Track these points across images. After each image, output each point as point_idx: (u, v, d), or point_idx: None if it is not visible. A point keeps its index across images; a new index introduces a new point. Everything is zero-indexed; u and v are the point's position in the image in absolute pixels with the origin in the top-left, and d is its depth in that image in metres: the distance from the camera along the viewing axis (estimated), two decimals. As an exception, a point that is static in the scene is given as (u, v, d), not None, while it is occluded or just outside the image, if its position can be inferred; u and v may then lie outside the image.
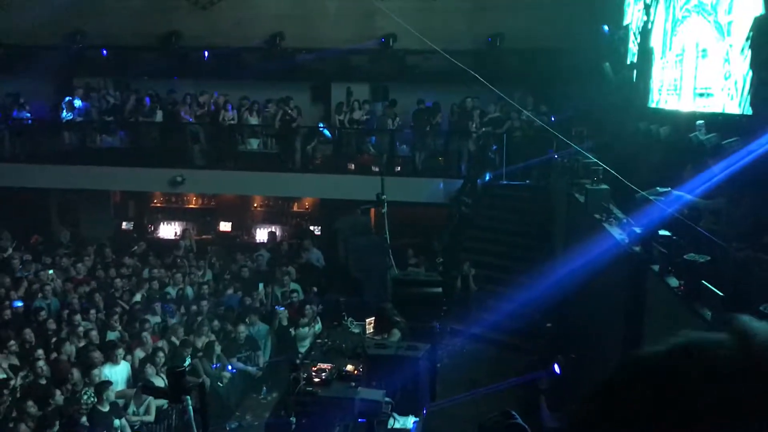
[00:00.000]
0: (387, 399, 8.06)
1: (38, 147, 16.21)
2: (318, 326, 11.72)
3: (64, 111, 16.09)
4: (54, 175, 15.57)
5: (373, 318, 9.78)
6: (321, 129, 15.97)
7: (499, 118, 14.61)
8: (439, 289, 10.46)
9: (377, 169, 14.71)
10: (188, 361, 9.87)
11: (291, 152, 15.67)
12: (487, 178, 14.42)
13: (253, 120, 15.75)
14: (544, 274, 10.64)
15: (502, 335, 11.56)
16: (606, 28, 12.98)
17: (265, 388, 10.98)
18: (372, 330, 10.13)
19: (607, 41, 13.00)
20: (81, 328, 10.49)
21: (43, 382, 9.01)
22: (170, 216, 17.90)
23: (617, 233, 8.42)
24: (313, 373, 9.13)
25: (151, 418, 9.00)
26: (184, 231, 16.62)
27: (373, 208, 13.54)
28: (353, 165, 15.64)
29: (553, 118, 13.80)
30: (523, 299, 10.63)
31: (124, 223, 17.76)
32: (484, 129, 14.75)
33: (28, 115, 16.44)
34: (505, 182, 14.32)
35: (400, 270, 12.13)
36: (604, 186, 9.42)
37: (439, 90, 15.60)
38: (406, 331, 9.01)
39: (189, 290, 12.79)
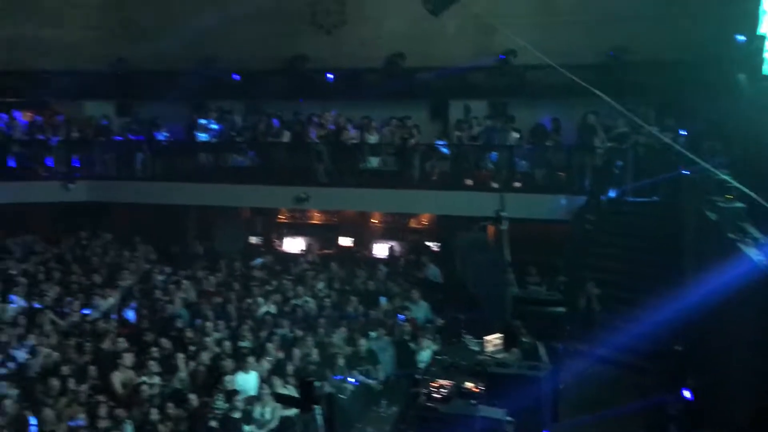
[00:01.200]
0: (508, 418, 8.04)
1: (176, 167, 17.34)
2: (436, 342, 11.82)
3: (200, 132, 17.17)
4: (190, 192, 16.62)
5: (495, 335, 9.77)
6: (439, 146, 16.13)
7: (626, 133, 14.19)
8: (562, 309, 10.32)
9: (496, 185, 14.67)
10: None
11: (409, 169, 15.92)
12: (612, 194, 14.01)
13: (373, 138, 16.14)
14: (673, 295, 10.20)
15: (627, 357, 11.15)
16: (741, 37, 12.34)
17: (384, 401, 11.16)
18: (492, 347, 10.12)
19: (742, 51, 12.36)
20: (214, 337, 11.14)
21: (181, 387, 9.64)
22: (294, 231, 18.63)
23: (754, 254, 7.97)
24: (433, 389, 9.26)
25: (273, 425, 9.36)
26: (307, 245, 17.25)
27: (491, 224, 13.51)
28: (471, 181, 15.68)
29: (683, 133, 13.25)
30: (650, 320, 10.24)
31: (252, 238, 18.66)
32: (609, 144, 14.39)
33: (167, 136, 17.62)
34: (630, 199, 13.85)
35: (520, 288, 12.04)
36: (739, 204, 8.95)
37: (560, 104, 15.37)
38: (534, 350, 8.92)
39: (311, 303, 13.25)
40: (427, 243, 17.42)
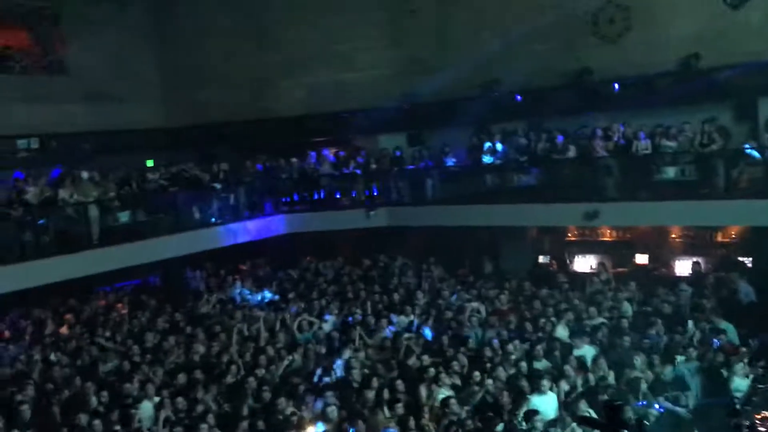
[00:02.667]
0: None
1: (463, 190, 17.93)
2: (751, 369, 10.52)
3: (486, 155, 17.57)
4: (478, 214, 17.02)
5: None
6: (747, 150, 14.49)
7: None
8: None
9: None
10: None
11: (712, 177, 14.53)
12: None
13: (670, 145, 15.05)
14: None
15: None
16: None
17: (696, 431, 10.20)
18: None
19: None
20: (513, 357, 11.19)
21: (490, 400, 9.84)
22: (585, 249, 18.05)
23: None
24: (758, 422, 8.23)
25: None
26: (599, 264, 16.58)
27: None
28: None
29: None
30: None
31: (540, 257, 18.49)
32: None
33: (454, 162, 18.33)
34: None
35: None
36: None
37: None
38: None
39: (607, 324, 12.65)
40: (738, 258, 15.69)
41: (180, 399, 10.35)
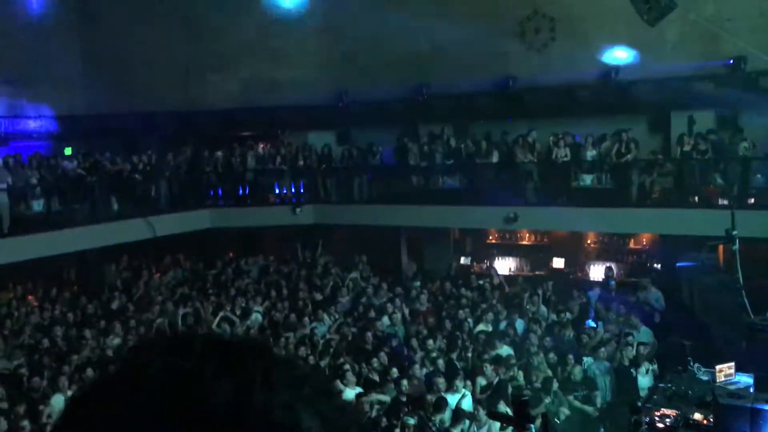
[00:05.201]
0: (746, 455, 7.28)
1: (390, 190, 18.11)
2: (655, 368, 11.09)
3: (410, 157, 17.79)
4: (403, 214, 17.24)
5: (727, 364, 8.92)
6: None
7: None
8: (808, 337, 9.16)
9: (726, 202, 13.48)
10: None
11: (627, 186, 15.18)
12: None
13: (590, 154, 15.62)
14: None
15: None
16: None
17: (602, 429, 10.65)
18: (724, 377, 9.24)
19: None
20: (432, 355, 11.40)
21: (404, 399, 9.96)
22: (505, 252, 18.52)
23: None
24: (656, 418, 8.66)
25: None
26: (518, 267, 17.07)
27: (721, 244, 12.41)
28: (696, 198, 14.57)
29: None
30: None
31: (462, 258, 18.86)
32: None
33: (382, 161, 18.47)
34: None
35: (757, 314, 10.89)
36: None
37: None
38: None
39: (521, 324, 13.06)
40: (648, 264, 16.43)
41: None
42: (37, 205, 15.01)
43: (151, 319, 13.68)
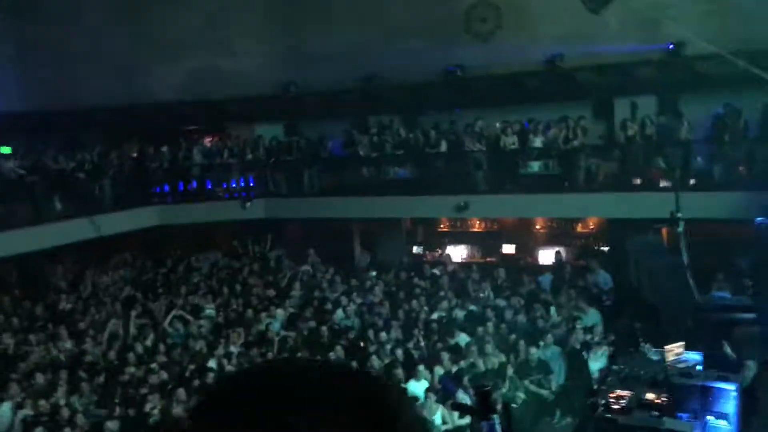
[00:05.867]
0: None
1: (341, 182, 18.03)
2: (608, 351, 11.37)
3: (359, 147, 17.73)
4: (355, 206, 17.18)
5: (677, 344, 9.22)
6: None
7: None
8: (752, 315, 9.54)
9: (668, 184, 13.86)
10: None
11: (573, 172, 15.46)
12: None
13: (537, 141, 15.84)
14: None
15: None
16: None
17: (558, 412, 10.89)
18: (674, 356, 9.53)
19: None
20: (388, 346, 11.43)
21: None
22: (456, 240, 18.68)
23: None
24: (611, 400, 8.88)
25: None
26: (469, 254, 17.21)
27: (666, 226, 12.77)
28: (639, 181, 14.94)
29: None
30: None
31: (414, 248, 18.94)
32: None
33: (331, 153, 18.37)
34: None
35: (701, 293, 11.27)
36: None
37: (737, 96, 14.27)
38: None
39: (475, 311, 13.22)
40: (596, 248, 16.80)
41: (42, 401, 9.78)
42: (-25, 208, 14.45)
43: (101, 321, 13.33)
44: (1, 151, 17.67)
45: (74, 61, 19.09)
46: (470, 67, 16.98)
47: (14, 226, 14.73)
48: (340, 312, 13.73)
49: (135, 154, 18.57)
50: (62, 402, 9.88)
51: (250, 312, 13.82)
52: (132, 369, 11.08)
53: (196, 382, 10.58)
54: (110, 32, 19.14)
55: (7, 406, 9.86)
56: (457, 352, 11.19)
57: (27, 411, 9.72)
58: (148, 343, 12.28)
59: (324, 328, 12.74)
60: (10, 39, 19.56)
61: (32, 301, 14.79)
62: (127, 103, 18.89)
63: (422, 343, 11.88)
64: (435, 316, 13.06)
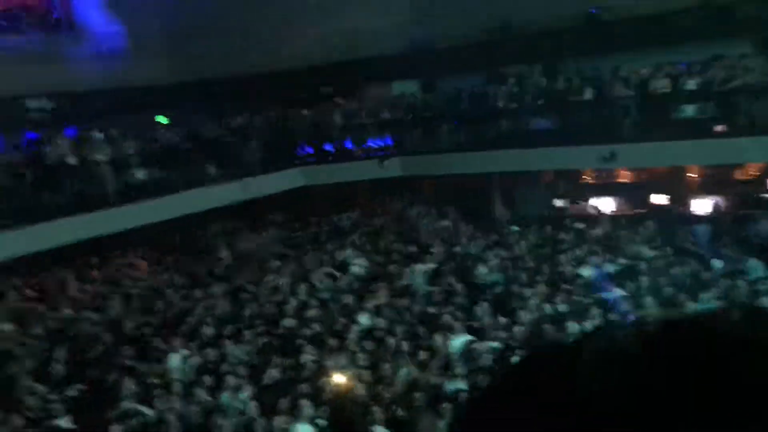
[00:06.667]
0: None
1: (478, 136, 17.75)
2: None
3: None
4: (493, 160, 16.88)
5: None
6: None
7: None
8: None
9: None
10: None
11: (733, 115, 14.31)
12: None
13: (691, 84, 14.77)
14: None
15: None
16: None
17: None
18: None
19: None
20: (533, 302, 11.26)
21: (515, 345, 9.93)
22: (602, 191, 17.91)
23: None
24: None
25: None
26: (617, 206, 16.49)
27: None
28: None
29: None
30: None
31: (556, 201, 18.41)
32: None
33: (467, 107, 18.07)
34: None
35: None
36: None
37: None
38: None
39: (625, 264, 12.67)
40: (757, 196, 15.56)
41: (209, 350, 10.53)
42: (140, 174, 15.58)
43: (257, 278, 14.08)
44: (160, 121, 18.91)
45: (220, 33, 19.95)
46: (614, 8, 16.06)
47: (174, 191, 15.78)
48: (482, 268, 13.62)
49: (278, 119, 19.21)
50: (227, 352, 10.56)
51: (392, 267, 14.03)
52: (287, 322, 11.63)
53: (348, 335, 10.95)
54: (250, 2, 19.79)
55: (177, 356, 10.67)
56: (609, 308, 10.80)
57: (195, 359, 10.48)
58: (302, 297, 12.81)
59: (466, 284, 12.69)
60: (157, 17, 20.73)
61: (193, 260, 15.84)
62: (268, 69, 19.56)
63: (570, 298, 11.56)
64: (582, 271, 12.65)
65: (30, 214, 13.54)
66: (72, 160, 14.56)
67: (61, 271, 15.30)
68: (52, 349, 10.79)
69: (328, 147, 19.03)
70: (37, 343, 11.32)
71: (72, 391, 9.67)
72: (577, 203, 18.16)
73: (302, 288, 13.28)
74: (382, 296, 12.59)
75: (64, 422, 8.86)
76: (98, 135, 15.41)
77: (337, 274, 14.08)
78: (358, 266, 14.46)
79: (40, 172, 14.07)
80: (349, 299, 12.57)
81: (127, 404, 9.13)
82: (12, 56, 17.21)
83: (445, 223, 16.76)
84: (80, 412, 9.12)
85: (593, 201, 17.86)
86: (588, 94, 15.97)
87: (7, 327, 12.17)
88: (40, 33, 18.48)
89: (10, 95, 17.14)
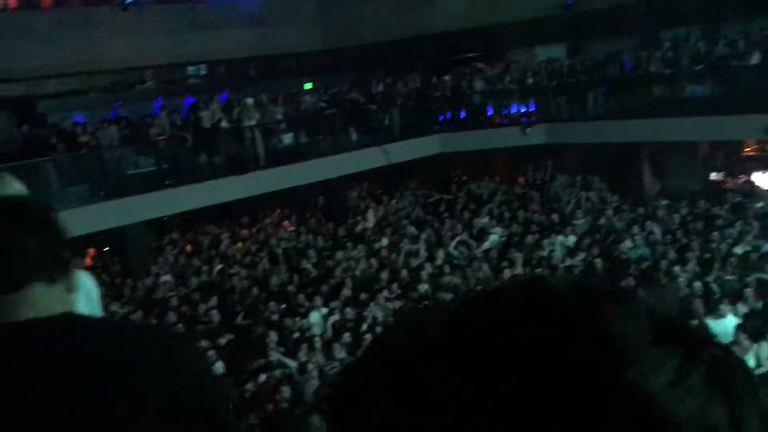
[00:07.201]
0: None
1: (628, 103, 16.87)
2: None
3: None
4: (643, 129, 15.97)
5: None
6: None
7: None
8: None
9: None
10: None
11: None
12: None
13: None
14: None
15: None
16: None
17: None
18: None
19: None
20: (682, 279, 10.68)
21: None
22: (764, 165, 16.54)
23: None
24: None
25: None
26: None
27: None
28: None
29: None
30: None
31: (712, 174, 17.21)
32: None
33: (620, 72, 17.16)
34: None
35: None
36: None
37: None
38: None
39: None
40: None
41: (348, 309, 10.91)
42: (287, 138, 16.23)
43: (395, 241, 14.35)
44: (305, 87, 19.54)
45: (360, 2, 20.18)
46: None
47: (317, 155, 16.32)
48: (627, 242, 13.06)
49: (419, 85, 19.24)
50: (365, 312, 10.89)
51: (530, 238, 13.79)
52: (423, 286, 11.78)
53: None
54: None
55: (317, 314, 11.14)
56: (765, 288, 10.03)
57: (336, 317, 10.91)
58: (438, 262, 12.92)
59: (609, 260, 12.22)
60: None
61: (334, 223, 16.38)
62: (408, 35, 19.58)
63: (725, 278, 10.83)
64: (739, 249, 11.80)
65: (190, 175, 14.55)
66: (225, 125, 15.39)
67: (214, 228, 16.34)
68: (205, 300, 11.59)
69: (467, 113, 18.85)
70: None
71: (223, 340, 10.36)
72: (736, 177, 16.88)
73: (439, 254, 13.37)
74: (518, 267, 12.43)
75: (217, 368, 9.52)
76: (249, 100, 16.15)
77: (473, 242, 14.04)
78: (496, 235, 14.33)
79: (198, 136, 14.99)
80: (485, 268, 12.51)
81: (273, 355, 9.67)
82: (175, 24, 18.36)
83: (590, 193, 16.18)
84: (230, 360, 9.76)
85: (755, 175, 16.54)
86: (755, 58, 14.68)
87: (166, 278, 13.23)
88: (198, 2, 19.57)
89: (174, 62, 18.40)
